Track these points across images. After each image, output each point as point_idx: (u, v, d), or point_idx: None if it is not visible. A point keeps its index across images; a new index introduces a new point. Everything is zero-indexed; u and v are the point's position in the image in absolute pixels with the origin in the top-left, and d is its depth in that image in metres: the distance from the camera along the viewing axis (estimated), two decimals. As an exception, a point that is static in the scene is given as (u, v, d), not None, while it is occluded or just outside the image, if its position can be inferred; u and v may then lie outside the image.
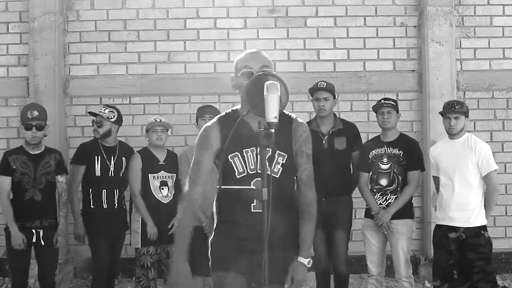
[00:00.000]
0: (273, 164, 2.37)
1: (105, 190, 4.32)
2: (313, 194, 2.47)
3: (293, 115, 2.52)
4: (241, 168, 2.38)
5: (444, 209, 4.05)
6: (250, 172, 2.36)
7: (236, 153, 2.38)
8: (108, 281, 4.42)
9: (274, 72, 2.39)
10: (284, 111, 2.46)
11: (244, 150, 2.37)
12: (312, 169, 2.49)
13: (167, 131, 4.54)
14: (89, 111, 4.72)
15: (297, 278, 2.32)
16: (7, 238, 4.07)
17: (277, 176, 2.37)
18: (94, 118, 4.44)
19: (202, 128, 2.50)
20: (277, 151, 2.38)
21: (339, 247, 4.26)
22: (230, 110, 2.50)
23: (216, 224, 2.49)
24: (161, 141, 4.44)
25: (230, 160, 2.38)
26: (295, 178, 2.52)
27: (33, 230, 4.09)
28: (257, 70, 2.34)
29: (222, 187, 2.37)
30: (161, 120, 4.48)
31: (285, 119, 2.45)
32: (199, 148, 2.46)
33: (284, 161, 2.40)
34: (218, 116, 2.50)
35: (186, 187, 2.46)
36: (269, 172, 2.26)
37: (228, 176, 2.39)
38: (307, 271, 2.37)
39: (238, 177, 2.38)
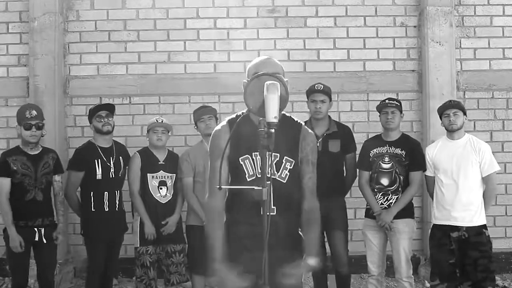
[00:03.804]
0: (281, 170, 2.40)
1: (106, 193, 4.31)
2: (317, 201, 2.51)
3: (301, 122, 2.55)
4: (252, 171, 2.40)
5: (446, 209, 4.05)
6: (259, 176, 2.35)
7: (247, 155, 2.40)
8: (105, 282, 4.42)
9: (284, 80, 2.40)
10: (293, 117, 2.52)
11: (253, 154, 2.38)
12: (315, 178, 2.52)
13: (168, 132, 4.54)
14: (105, 103, 4.67)
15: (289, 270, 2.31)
16: (6, 239, 4.07)
17: (284, 182, 2.41)
18: (103, 113, 4.35)
19: (213, 132, 2.51)
20: (285, 157, 2.41)
21: (339, 250, 4.27)
22: (240, 112, 2.49)
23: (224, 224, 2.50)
24: (161, 142, 4.44)
25: (241, 163, 2.40)
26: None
27: (35, 229, 4.10)
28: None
29: (227, 187, 2.38)
30: (162, 121, 4.47)
31: (293, 125, 2.50)
32: (213, 155, 2.45)
33: (291, 167, 2.42)
34: (228, 118, 2.51)
35: (205, 196, 2.48)
36: (276, 177, 2.33)
37: (239, 179, 2.40)
38: (303, 272, 2.40)
39: (248, 180, 2.39)
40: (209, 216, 2.48)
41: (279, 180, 2.39)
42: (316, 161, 2.55)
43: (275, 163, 2.36)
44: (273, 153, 2.31)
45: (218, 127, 2.50)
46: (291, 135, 2.44)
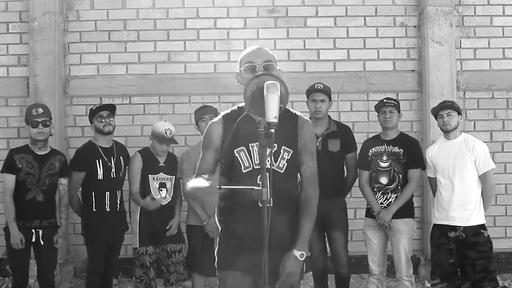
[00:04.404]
0: (279, 160, 2.40)
1: (108, 193, 4.30)
2: (315, 191, 2.47)
3: (298, 113, 2.54)
4: (247, 163, 2.39)
5: (444, 209, 4.06)
6: (256, 167, 2.36)
7: (242, 147, 2.39)
8: (105, 282, 4.42)
9: (276, 68, 2.42)
10: (289, 108, 2.49)
11: (250, 145, 2.38)
12: (316, 168, 2.50)
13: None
14: (106, 103, 4.69)
15: (287, 270, 2.29)
16: (7, 238, 4.08)
17: (282, 172, 2.40)
18: (104, 113, 4.34)
19: (208, 125, 2.54)
20: (283, 147, 2.41)
21: (339, 250, 4.27)
22: (235, 107, 2.51)
23: (221, 224, 2.49)
24: (164, 153, 4.47)
25: (236, 155, 2.39)
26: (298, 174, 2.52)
27: (33, 230, 4.09)
28: (260, 65, 2.37)
29: (226, 187, 2.36)
30: (171, 133, 4.43)
31: (290, 116, 2.49)
32: (203, 145, 2.50)
33: (289, 157, 2.42)
34: (224, 113, 2.52)
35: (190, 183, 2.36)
36: (274, 168, 2.32)
37: (234, 171, 2.39)
38: (300, 264, 2.34)
39: (244, 171, 2.38)
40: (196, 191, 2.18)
41: (276, 171, 2.38)
42: (316, 161, 2.53)
43: (273, 153, 2.32)
44: None
45: (214, 120, 2.53)
46: (289, 125, 2.43)
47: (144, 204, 4.28)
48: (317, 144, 4.22)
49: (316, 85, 4.36)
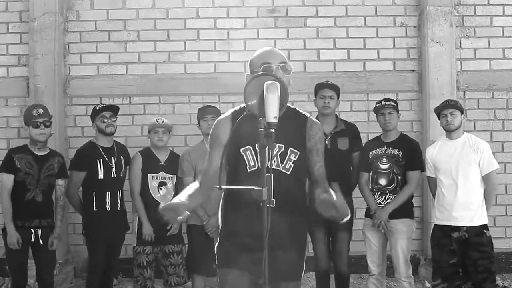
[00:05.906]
0: (285, 161, 2.39)
1: (108, 192, 4.30)
2: (329, 188, 2.44)
3: (307, 114, 2.53)
4: (253, 162, 2.38)
5: (446, 209, 4.04)
6: (260, 167, 2.33)
7: (249, 146, 2.38)
8: (105, 281, 4.42)
9: (292, 69, 2.42)
10: (297, 108, 2.50)
11: (257, 144, 2.35)
12: (324, 167, 2.50)
13: (169, 132, 4.53)
14: (110, 104, 4.68)
15: (339, 202, 2.14)
16: (5, 238, 4.07)
17: (288, 173, 2.39)
18: (107, 114, 4.34)
19: (215, 122, 2.52)
20: (290, 148, 2.39)
21: (341, 249, 4.27)
22: (244, 105, 2.46)
23: (222, 222, 2.49)
24: (162, 142, 4.44)
25: (242, 154, 2.38)
26: (306, 175, 2.50)
27: (32, 230, 4.09)
28: (277, 65, 2.37)
29: (226, 187, 2.36)
30: (163, 121, 4.46)
31: (299, 116, 2.48)
32: (211, 143, 2.49)
33: (296, 158, 2.40)
34: (232, 110, 2.50)
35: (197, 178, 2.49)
36: (280, 169, 2.32)
37: (239, 170, 2.38)
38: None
39: (249, 170, 2.37)
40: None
41: (283, 172, 2.36)
42: (325, 160, 2.52)
43: (279, 154, 2.35)
44: (278, 144, 2.33)
45: (221, 117, 2.51)
46: (297, 126, 2.42)
47: (141, 219, 4.33)
48: (326, 142, 4.24)
49: (325, 81, 4.41)
